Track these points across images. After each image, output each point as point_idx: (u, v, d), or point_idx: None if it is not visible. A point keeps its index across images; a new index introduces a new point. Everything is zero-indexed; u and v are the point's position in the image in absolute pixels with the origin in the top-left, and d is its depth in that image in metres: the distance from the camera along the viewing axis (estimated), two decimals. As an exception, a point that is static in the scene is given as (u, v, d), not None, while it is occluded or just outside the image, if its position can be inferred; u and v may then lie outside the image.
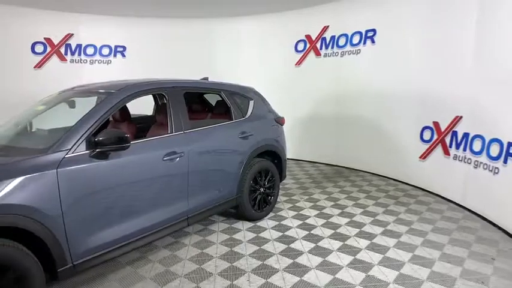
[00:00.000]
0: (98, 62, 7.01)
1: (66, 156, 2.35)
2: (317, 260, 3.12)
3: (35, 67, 6.42)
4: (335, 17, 6.21)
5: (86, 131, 2.49)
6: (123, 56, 7.18)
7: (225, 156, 3.56)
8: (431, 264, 3.03)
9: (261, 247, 3.39)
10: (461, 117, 4.34)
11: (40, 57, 6.45)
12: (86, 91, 3.31)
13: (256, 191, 3.95)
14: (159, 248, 3.37)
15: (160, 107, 3.30)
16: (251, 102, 4.04)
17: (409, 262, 3.06)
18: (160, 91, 3.15)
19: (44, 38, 6.46)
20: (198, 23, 7.16)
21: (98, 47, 6.97)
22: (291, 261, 3.11)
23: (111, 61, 7.11)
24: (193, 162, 3.16)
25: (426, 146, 4.93)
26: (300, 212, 4.27)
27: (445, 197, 4.64)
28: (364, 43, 5.82)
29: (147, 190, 2.83)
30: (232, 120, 3.75)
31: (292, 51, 6.86)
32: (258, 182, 3.96)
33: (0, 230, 2.07)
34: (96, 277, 2.86)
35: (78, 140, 2.44)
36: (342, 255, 3.20)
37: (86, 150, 2.45)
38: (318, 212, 4.28)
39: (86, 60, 6.91)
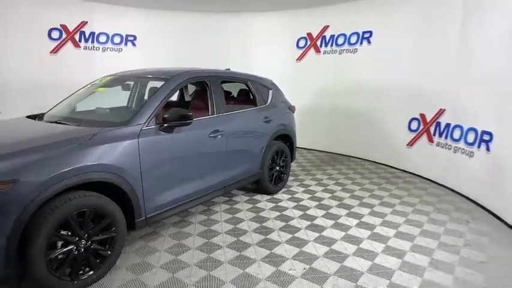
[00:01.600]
0: (110, 50, 7.38)
1: (143, 128, 2.89)
2: (330, 222, 3.81)
3: (51, 52, 6.73)
4: (335, 18, 6.87)
5: (155, 109, 3.04)
6: (134, 45, 7.57)
7: (253, 136, 4.16)
8: (421, 225, 3.78)
9: (282, 213, 4.04)
10: (444, 110, 5.12)
11: (56, 43, 6.76)
12: (140, 76, 3.81)
13: (273, 169, 4.57)
14: (196, 214, 3.95)
15: (199, 93, 3.83)
16: (270, 92, 4.64)
17: (404, 224, 3.80)
18: (204, 79, 3.70)
19: (60, 25, 6.77)
20: (207, 17, 7.64)
21: (110, 35, 7.33)
22: (309, 222, 3.78)
23: (122, 49, 7.49)
24: (230, 140, 3.76)
25: (413, 134, 5.72)
26: (308, 188, 4.94)
27: (428, 178, 5.44)
28: (361, 43, 6.52)
29: (199, 160, 3.41)
30: (257, 106, 4.35)
31: (293, 47, 7.49)
32: (275, 161, 4.59)
33: (96, 187, 2.59)
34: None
35: (150, 116, 2.98)
36: (350, 219, 3.90)
37: (156, 125, 3.00)
38: (323, 188, 4.97)
39: (99, 47, 7.27)
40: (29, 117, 3.51)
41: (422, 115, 5.53)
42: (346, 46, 6.79)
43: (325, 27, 7.06)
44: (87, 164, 2.47)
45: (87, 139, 2.56)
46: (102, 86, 3.70)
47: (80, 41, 7.03)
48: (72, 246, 2.43)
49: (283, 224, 3.74)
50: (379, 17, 6.18)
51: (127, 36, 7.49)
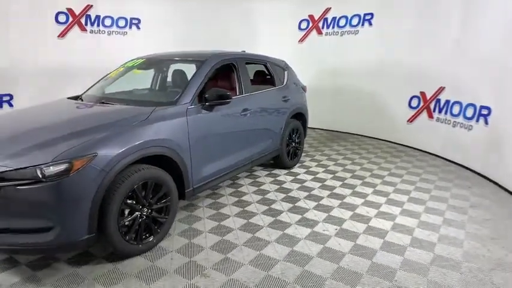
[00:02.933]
0: (115, 33, 7.42)
1: (189, 107, 3.15)
2: (348, 191, 4.19)
3: (58, 36, 6.75)
4: (336, 0, 7.11)
5: (196, 89, 3.29)
6: (138, 28, 7.63)
7: (274, 114, 4.45)
8: (429, 191, 4.20)
9: (302, 184, 4.39)
10: (444, 87, 5.52)
11: (63, 27, 6.77)
12: (173, 58, 4.03)
13: (289, 145, 4.90)
14: (224, 187, 4.26)
15: (228, 73, 4.06)
16: (286, 73, 4.92)
17: (414, 191, 4.21)
18: (232, 61, 3.94)
19: (66, 9, 6.77)
20: (207, 2, 7.74)
21: (115, 18, 7.36)
22: (329, 192, 4.15)
23: (126, 32, 7.53)
24: (256, 118, 4.05)
25: (413, 111, 6.12)
26: (320, 163, 5.30)
27: (428, 151, 5.88)
28: (363, 25, 6.81)
29: (233, 137, 3.70)
30: (275, 86, 4.62)
31: (295, 29, 7.72)
32: (291, 138, 4.91)
33: (152, 160, 2.85)
34: (191, 204, 3.72)
35: (193, 96, 3.23)
36: (365, 188, 4.29)
37: (198, 104, 3.25)
38: (334, 162, 5.34)
39: (104, 31, 7.30)
40: (70, 98, 3.69)
41: (422, 93, 5.93)
42: (347, 28, 7.07)
43: (327, 9, 7.31)
44: (148, 139, 2.72)
45: (145, 117, 2.81)
46: (138, 69, 3.89)
47: (86, 24, 7.05)
48: (137, 213, 2.71)
49: (306, 193, 4.10)
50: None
51: (131, 19, 7.53)
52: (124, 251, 2.64)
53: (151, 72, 4.09)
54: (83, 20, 7.01)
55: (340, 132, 7.48)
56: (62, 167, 2.24)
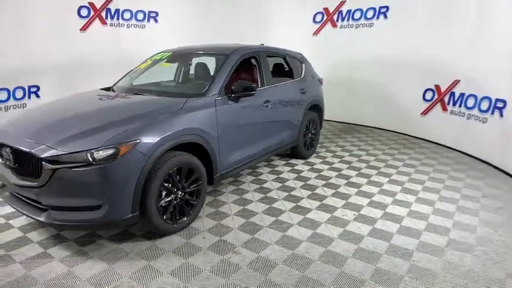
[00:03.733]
0: (134, 27, 7.63)
1: (217, 98, 3.36)
2: (364, 180, 4.37)
3: (81, 29, 6.98)
4: (351, -7, 7.23)
5: (223, 81, 3.49)
6: (156, 21, 7.83)
7: (293, 106, 4.63)
8: (443, 181, 4.37)
9: (320, 173, 4.59)
10: (459, 80, 5.63)
11: (85, 21, 7.00)
12: (200, 51, 4.23)
13: (306, 136, 5.08)
14: (245, 175, 4.47)
15: (251, 66, 4.23)
16: (303, 65, 5.09)
17: (428, 181, 4.38)
18: (255, 54, 4.12)
19: (88, 2, 6.99)
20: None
21: (134, 11, 7.57)
22: (345, 181, 4.34)
23: (145, 26, 7.74)
24: (277, 109, 4.24)
25: (427, 104, 6.25)
26: (335, 154, 5.49)
27: (442, 143, 6.02)
28: (377, 17, 6.91)
29: (256, 126, 3.91)
30: (294, 79, 4.80)
31: (310, 21, 7.84)
32: (308, 129, 5.10)
33: (184, 147, 3.06)
34: (216, 189, 3.95)
35: (221, 87, 3.44)
36: (380, 177, 4.47)
37: (225, 95, 3.45)
38: (349, 153, 5.52)
39: (123, 24, 7.51)
40: (102, 89, 3.92)
41: (437, 86, 6.04)
42: (362, 21, 7.17)
43: (342, 3, 7.41)
44: (183, 128, 2.95)
45: (180, 107, 3.02)
46: (167, 62, 4.10)
47: (106, 18, 7.28)
48: (173, 195, 2.94)
49: (323, 182, 4.30)
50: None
51: (149, 12, 7.73)
52: (161, 229, 2.88)
53: (175, 65, 4.29)
54: (103, 14, 7.23)
55: (353, 124, 7.63)
56: (110, 151, 2.47)
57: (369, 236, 3.06)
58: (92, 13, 7.08)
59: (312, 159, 5.17)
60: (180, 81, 4.26)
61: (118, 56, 7.43)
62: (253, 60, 4.12)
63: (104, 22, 7.27)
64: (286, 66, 4.83)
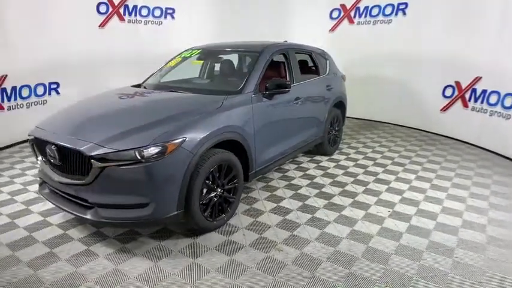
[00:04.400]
0: (151, 23, 7.62)
1: (252, 96, 3.36)
2: (392, 177, 4.38)
3: (99, 26, 6.98)
4: (369, -11, 7.19)
5: (258, 79, 3.49)
6: (173, 17, 7.82)
7: (320, 103, 4.63)
8: (470, 177, 4.37)
9: (346, 170, 4.59)
10: (480, 77, 5.61)
11: (103, 17, 7.00)
12: (231, 48, 4.23)
13: (330, 133, 5.08)
14: (272, 172, 4.48)
15: (280, 63, 4.22)
16: (327, 62, 5.07)
17: (455, 177, 4.38)
18: (284, 51, 4.11)
19: (106, -2, 6.99)
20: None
21: (151, 8, 7.56)
22: (373, 177, 4.34)
23: (162, 22, 7.73)
24: (306, 106, 4.24)
25: (447, 100, 6.23)
26: (358, 150, 5.49)
27: (462, 139, 6.01)
28: (396, 14, 6.88)
29: (287, 123, 3.91)
30: (320, 75, 4.79)
31: (326, 18, 7.81)
32: (332, 125, 5.09)
33: (222, 144, 3.07)
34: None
35: (256, 85, 3.44)
36: (408, 174, 4.47)
37: (259, 92, 3.45)
38: (371, 150, 5.52)
39: (141, 20, 7.50)
40: (133, 86, 3.92)
41: (457, 82, 6.02)
42: (380, 17, 7.14)
43: (359, -1, 7.38)
44: (224, 126, 2.95)
45: (219, 105, 3.03)
46: (198, 59, 4.10)
47: (124, 14, 7.27)
48: (213, 193, 2.95)
49: (352, 178, 4.30)
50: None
51: (166, 9, 7.72)
52: (202, 226, 2.89)
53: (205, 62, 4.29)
54: (121, 10, 7.22)
55: (371, 120, 7.62)
56: (158, 149, 2.48)
57: (407, 233, 3.07)
58: (111, 9, 7.08)
59: (335, 156, 5.17)
60: (211, 78, 4.24)
61: (135, 53, 7.43)
62: (282, 57, 4.10)
63: (122, 18, 7.27)
64: (312, 62, 4.81)
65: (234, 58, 4.22)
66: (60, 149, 2.65)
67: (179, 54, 4.32)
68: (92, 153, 2.44)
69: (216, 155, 2.87)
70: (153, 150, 2.46)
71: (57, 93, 6.37)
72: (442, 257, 2.72)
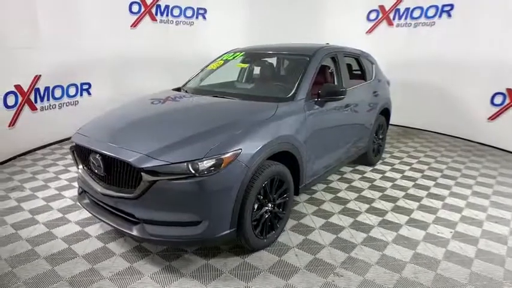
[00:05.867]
0: (182, 24, 7.47)
1: (305, 103, 3.10)
2: (445, 191, 4.04)
3: (131, 26, 6.87)
4: (411, -10, 6.82)
5: (309, 84, 3.23)
6: (204, 18, 7.65)
7: (367, 110, 4.32)
8: (534, 195, 4.00)
9: (394, 183, 4.28)
10: (537, 84, 5.20)
11: (135, 17, 6.88)
12: (277, 51, 4.01)
13: (374, 141, 4.77)
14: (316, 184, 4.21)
15: (323, 67, 3.96)
16: (373, 66, 4.77)
17: (517, 194, 4.02)
18: (334, 55, 3.84)
19: (139, -1, 6.86)
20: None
21: (183, 8, 7.41)
22: (425, 192, 4.02)
23: (193, 23, 7.57)
24: (355, 114, 3.95)
25: (496, 108, 5.81)
26: (402, 160, 5.15)
27: (514, 151, 5.60)
28: (440, 16, 6.49)
29: (338, 132, 3.65)
30: (366, 80, 4.49)
31: (363, 19, 7.48)
32: (377, 133, 4.78)
33: (273, 155, 2.82)
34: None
35: (308, 91, 3.18)
36: (463, 189, 4.12)
37: (311, 99, 3.19)
38: (416, 160, 5.18)
39: (172, 21, 7.36)
40: (174, 90, 3.73)
41: (509, 90, 5.61)
42: (422, 19, 6.76)
43: (400, 0, 7.01)
44: (279, 136, 2.71)
45: (273, 113, 2.78)
46: (241, 62, 3.88)
47: (156, 14, 7.14)
48: (265, 208, 2.71)
49: (402, 193, 3.99)
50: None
51: (198, 9, 7.55)
52: (254, 244, 2.66)
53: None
54: (153, 10, 7.09)
55: (410, 127, 7.23)
56: (214, 162, 2.25)
57: (478, 259, 2.75)
58: (143, 9, 6.96)
59: (379, 166, 4.86)
60: (256, 83, 3.97)
61: (166, 54, 7.30)
62: (332, 61, 3.82)
63: (153, 18, 7.15)
64: (358, 67, 4.52)
65: (279, 61, 3.97)
66: (106, 158, 2.46)
67: (220, 57, 4.10)
68: (142, 166, 2.24)
69: (269, 168, 2.63)
70: (208, 164, 2.24)
71: (89, 94, 6.28)
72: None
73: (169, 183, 2.24)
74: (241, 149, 2.38)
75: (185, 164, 2.22)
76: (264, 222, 2.73)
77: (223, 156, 2.28)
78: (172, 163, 2.22)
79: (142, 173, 2.25)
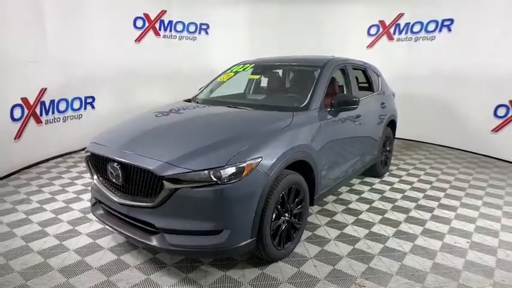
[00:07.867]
0: (185, 39, 7.56)
1: (318, 112, 3.11)
2: (456, 202, 4.02)
3: (135, 41, 6.92)
4: (411, 6, 6.97)
5: (322, 94, 3.25)
6: (207, 33, 7.75)
7: (376, 121, 4.34)
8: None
9: (404, 194, 4.26)
10: (540, 96, 5.28)
11: (139, 32, 6.95)
12: (287, 63, 4.04)
13: (382, 153, 4.78)
14: (325, 193, 4.19)
15: (338, 79, 3.98)
16: (380, 78, 4.82)
17: (527, 204, 4.02)
18: (342, 66, 3.88)
19: (143, 14, 6.95)
20: (277, 6, 7.75)
21: (186, 23, 7.51)
22: (436, 203, 4.00)
23: (196, 38, 7.67)
24: (364, 125, 3.96)
25: (500, 120, 5.88)
26: (409, 172, 5.15)
27: (519, 162, 5.64)
28: (440, 31, 6.63)
29: (349, 142, 3.64)
30: (374, 92, 4.53)
31: (364, 34, 7.61)
32: (385, 145, 4.80)
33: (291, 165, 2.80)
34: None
35: (321, 101, 3.19)
36: (472, 199, 4.12)
37: (325, 109, 3.20)
38: (423, 172, 5.18)
39: (176, 36, 7.45)
40: (185, 100, 3.73)
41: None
42: (422, 34, 6.90)
43: (400, 15, 7.16)
44: (296, 145, 2.71)
45: (289, 122, 2.78)
46: (252, 74, 3.90)
47: (159, 29, 7.22)
48: (282, 218, 2.68)
49: (413, 204, 3.97)
50: (463, 5, 6.25)
51: (201, 24, 7.66)
52: (271, 255, 2.61)
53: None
54: (157, 25, 7.17)
55: (412, 140, 7.26)
56: (236, 170, 2.23)
57: (499, 269, 2.72)
58: (147, 24, 7.04)
59: (387, 178, 4.85)
60: (267, 93, 3.96)
61: (169, 68, 7.36)
62: (341, 73, 3.86)
63: (157, 33, 7.23)
64: (365, 79, 4.57)
65: (289, 73, 4.00)
66: (125, 167, 2.43)
67: (230, 69, 4.13)
68: (164, 174, 2.21)
69: (287, 177, 2.61)
70: (230, 171, 2.22)
71: (92, 107, 6.26)
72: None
73: (191, 191, 2.21)
74: (261, 157, 2.36)
75: (207, 171, 2.19)
76: (281, 232, 2.69)
77: (244, 164, 2.27)
78: (195, 170, 2.20)
79: (163, 181, 2.22)
